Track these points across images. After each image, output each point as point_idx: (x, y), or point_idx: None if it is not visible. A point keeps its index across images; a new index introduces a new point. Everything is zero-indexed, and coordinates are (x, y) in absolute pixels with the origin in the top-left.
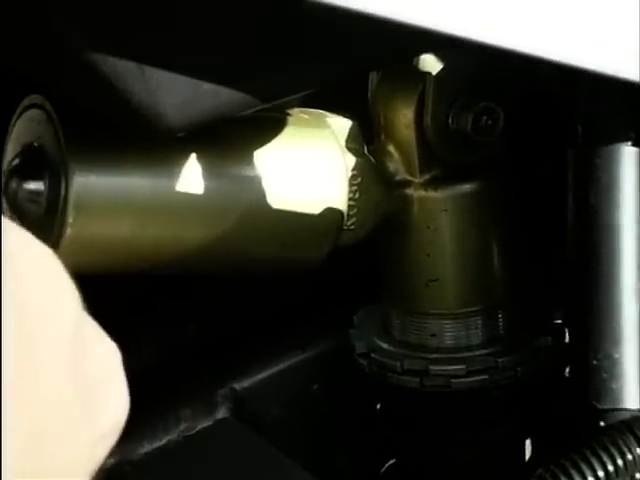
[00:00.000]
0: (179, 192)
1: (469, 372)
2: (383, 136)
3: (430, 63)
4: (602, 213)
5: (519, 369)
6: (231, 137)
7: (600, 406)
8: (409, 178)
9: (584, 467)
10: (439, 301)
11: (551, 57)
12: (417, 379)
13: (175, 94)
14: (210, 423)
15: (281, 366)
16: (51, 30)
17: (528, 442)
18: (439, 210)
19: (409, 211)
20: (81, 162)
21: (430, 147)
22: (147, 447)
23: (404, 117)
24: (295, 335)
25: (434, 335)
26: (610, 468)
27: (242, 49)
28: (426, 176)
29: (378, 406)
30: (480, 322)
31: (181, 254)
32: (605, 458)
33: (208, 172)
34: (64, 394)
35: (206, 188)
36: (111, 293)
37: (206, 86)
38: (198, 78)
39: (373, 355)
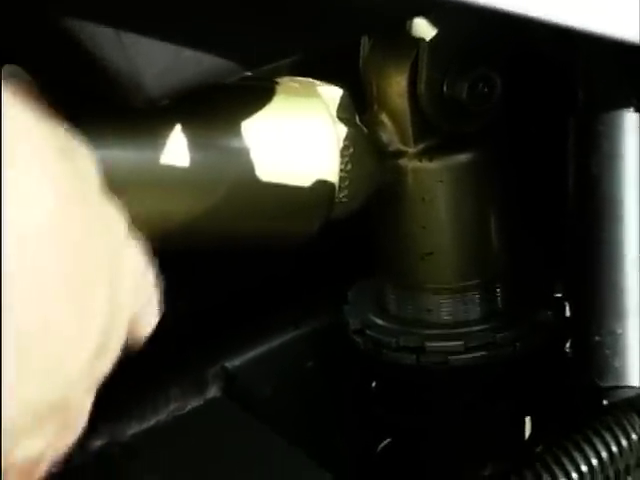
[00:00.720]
0: (163, 165)
1: (467, 348)
2: (376, 106)
3: (423, 29)
4: (604, 183)
5: (518, 344)
6: (217, 107)
7: (602, 384)
8: (403, 148)
9: (587, 448)
10: (435, 275)
11: (548, 18)
12: (413, 356)
13: (155, 62)
14: (201, 403)
15: (273, 343)
16: None
17: (528, 420)
18: (434, 181)
19: (403, 182)
20: None
21: (424, 116)
22: (136, 428)
23: (397, 85)
24: (287, 311)
25: (430, 310)
26: (614, 449)
27: (224, 14)
28: (420, 146)
29: (373, 384)
30: (478, 297)
31: (167, 229)
32: (608, 439)
33: (193, 143)
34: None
35: (191, 160)
36: None
37: (187, 53)
38: (178, 45)
39: (368, 332)
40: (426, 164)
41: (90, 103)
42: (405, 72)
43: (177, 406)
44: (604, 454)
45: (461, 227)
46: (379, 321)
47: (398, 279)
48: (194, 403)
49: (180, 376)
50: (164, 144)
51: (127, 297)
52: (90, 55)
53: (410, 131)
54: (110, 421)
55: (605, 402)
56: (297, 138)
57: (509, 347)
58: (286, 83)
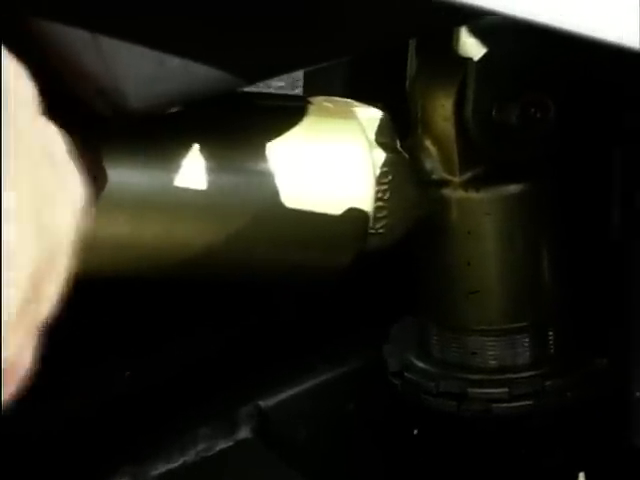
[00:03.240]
0: (178, 188)
1: (512, 396)
2: (420, 130)
3: (472, 48)
4: None
5: (569, 394)
6: (241, 126)
7: None
8: (447, 177)
9: None
10: (480, 315)
11: (599, 36)
12: (454, 403)
13: (136, 69)
14: (231, 444)
15: (311, 383)
16: None
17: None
18: (481, 213)
19: (447, 214)
20: None
21: (471, 142)
22: (161, 469)
23: (442, 108)
24: (326, 350)
25: (475, 354)
26: None
27: (217, 18)
28: (467, 175)
29: (415, 432)
30: (527, 340)
31: (181, 258)
32: None
33: (211, 165)
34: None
35: (210, 184)
36: (132, 298)
37: (174, 62)
38: (163, 52)
39: (407, 374)
40: (472, 194)
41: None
42: (452, 94)
43: (205, 447)
44: None
45: (509, 264)
46: (419, 363)
47: (441, 319)
48: (224, 444)
49: (211, 415)
50: (179, 165)
51: (65, 224)
52: (67, 60)
53: (456, 158)
54: (134, 460)
55: None
56: (328, 162)
57: (559, 396)
58: (319, 103)
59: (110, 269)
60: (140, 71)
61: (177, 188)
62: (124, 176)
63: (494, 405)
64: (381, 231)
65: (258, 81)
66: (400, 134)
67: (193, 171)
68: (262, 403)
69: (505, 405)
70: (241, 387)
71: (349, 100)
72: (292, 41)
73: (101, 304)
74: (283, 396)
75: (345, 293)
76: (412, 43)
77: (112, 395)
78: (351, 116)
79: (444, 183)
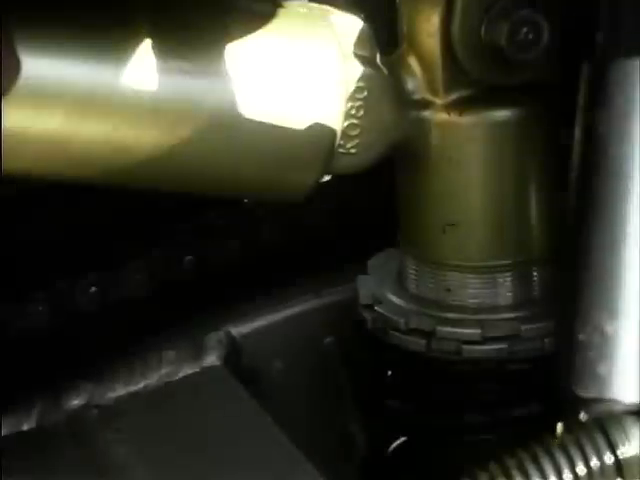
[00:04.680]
0: (122, 85)
1: (485, 338)
2: (405, 45)
3: None
4: (612, 148)
5: (547, 340)
6: (202, 25)
7: (583, 394)
8: (430, 98)
9: (531, 471)
10: (458, 250)
11: None
12: (423, 341)
13: None
14: (196, 370)
15: (289, 312)
16: None
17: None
18: (464, 139)
19: (427, 138)
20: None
21: (457, 62)
22: (120, 391)
23: (428, 23)
24: (310, 278)
25: (449, 290)
26: (567, 476)
27: None
28: (451, 97)
29: (389, 373)
30: (509, 280)
31: (123, 163)
32: (561, 462)
33: (165, 64)
34: None
35: (160, 84)
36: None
37: None
38: None
39: (377, 308)
40: (455, 118)
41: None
42: (439, 7)
43: (169, 371)
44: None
45: (492, 195)
46: (392, 297)
47: (418, 251)
48: (188, 370)
49: (177, 338)
50: (130, 61)
51: None
52: None
53: (440, 78)
54: (93, 381)
55: (582, 416)
56: (293, 70)
57: (536, 342)
58: (292, 7)
59: (44, 168)
60: None
61: (122, 85)
62: (60, 67)
63: (465, 346)
64: (353, 151)
65: None
66: (384, 49)
67: (142, 68)
68: (233, 330)
69: (477, 347)
70: (214, 312)
71: (327, 7)
72: None
73: (69, 213)
74: (256, 324)
75: (331, 223)
76: None
77: (76, 310)
78: (325, 23)
79: (426, 104)
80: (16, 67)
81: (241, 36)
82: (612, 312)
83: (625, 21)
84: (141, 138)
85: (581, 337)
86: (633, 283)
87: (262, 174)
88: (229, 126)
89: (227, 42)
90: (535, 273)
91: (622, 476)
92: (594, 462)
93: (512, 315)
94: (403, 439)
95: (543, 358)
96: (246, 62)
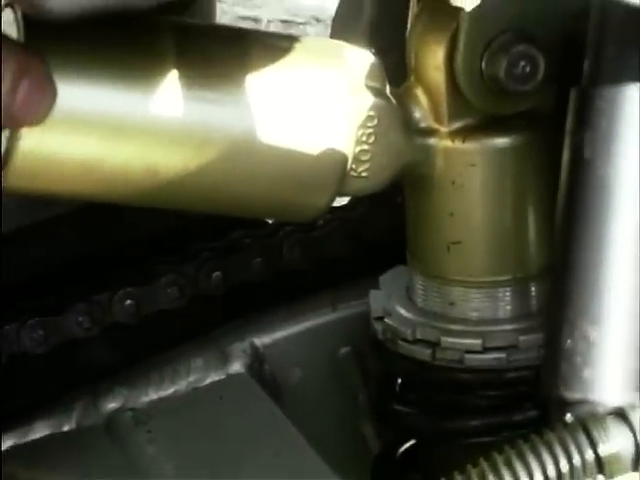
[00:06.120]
0: (153, 111)
1: (486, 348)
2: (413, 78)
3: None
4: (596, 169)
5: (542, 350)
6: (225, 57)
7: (569, 395)
8: (435, 126)
9: (518, 467)
10: (462, 266)
11: None
12: (429, 351)
13: None
14: (222, 377)
15: (307, 324)
16: None
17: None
18: (466, 164)
19: (433, 163)
20: None
21: (461, 93)
22: (152, 395)
23: (434, 57)
24: (327, 293)
25: (453, 304)
26: (551, 473)
27: None
28: (454, 125)
29: (399, 380)
30: (508, 294)
31: (154, 184)
32: (546, 458)
33: (192, 92)
34: None
35: (187, 111)
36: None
37: None
38: None
39: (387, 320)
40: (458, 145)
41: (91, 35)
42: (444, 43)
43: (197, 378)
44: (539, 477)
45: (492, 216)
46: (401, 310)
47: (425, 268)
48: (215, 377)
49: (205, 347)
50: (159, 89)
51: None
52: None
53: (445, 108)
54: (127, 386)
55: (568, 416)
56: (307, 100)
57: (533, 352)
58: (308, 41)
59: (79, 189)
60: None
61: (150, 111)
62: (94, 94)
63: (467, 355)
64: (364, 174)
65: None
66: (394, 81)
67: (168, 96)
68: (257, 340)
69: (478, 356)
70: (240, 323)
71: (342, 42)
72: None
73: (107, 233)
74: (278, 335)
75: (346, 244)
76: None
77: (113, 321)
78: (339, 57)
79: (431, 132)
80: (53, 93)
81: (261, 68)
82: (596, 322)
83: (608, 53)
84: (168, 161)
85: (568, 344)
86: (615, 295)
87: (279, 196)
88: (248, 151)
89: (247, 73)
90: (533, 288)
91: (602, 472)
92: (576, 459)
93: (511, 327)
94: (412, 441)
95: (539, 367)
96: (265, 92)
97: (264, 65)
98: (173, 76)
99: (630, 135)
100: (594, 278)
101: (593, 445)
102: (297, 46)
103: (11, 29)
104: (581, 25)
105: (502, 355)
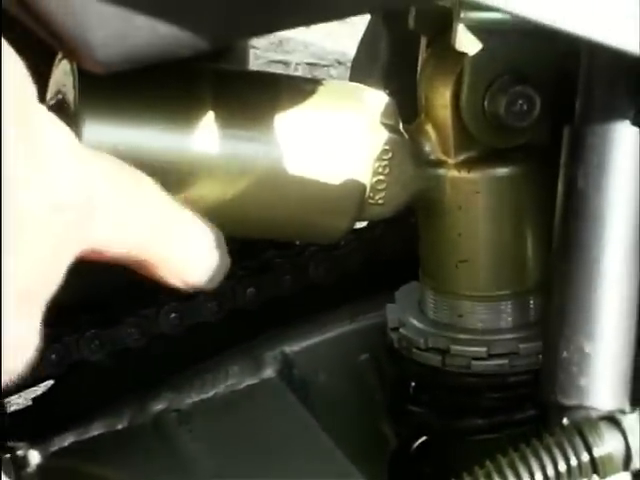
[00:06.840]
0: (193, 151)
1: (490, 355)
2: (423, 115)
3: (469, 44)
4: (589, 198)
5: (540, 357)
6: (257, 99)
7: (566, 402)
8: (443, 158)
9: (520, 468)
10: (468, 282)
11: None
12: (439, 357)
13: (104, 25)
14: (256, 381)
15: (331, 334)
16: None
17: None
18: (471, 192)
19: (442, 191)
20: (94, 112)
21: (466, 129)
22: (195, 398)
23: (442, 97)
24: (348, 307)
25: (461, 316)
26: (550, 473)
27: None
28: (460, 157)
29: (412, 384)
30: (509, 306)
31: (196, 211)
32: (545, 460)
33: (226, 131)
34: None
35: (222, 148)
36: None
37: (142, 20)
38: (132, 10)
39: (402, 330)
40: (464, 174)
41: (134, 84)
42: (450, 85)
43: (234, 382)
44: (539, 477)
45: (495, 237)
46: (414, 322)
47: (435, 284)
48: (250, 381)
49: (241, 356)
50: (196, 129)
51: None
52: (35, 11)
53: (451, 142)
54: (173, 390)
55: (565, 421)
56: (332, 137)
57: (532, 358)
58: (332, 85)
59: None
60: (108, 26)
61: (189, 149)
62: (146, 137)
63: (473, 362)
64: (380, 202)
65: (223, 44)
66: (407, 119)
67: (205, 134)
68: (287, 349)
69: (484, 362)
70: (271, 335)
71: (360, 85)
72: (255, 7)
73: None
74: (305, 344)
75: (365, 263)
76: (423, 39)
77: (160, 332)
78: (358, 98)
79: (440, 163)
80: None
81: (289, 109)
82: (590, 336)
83: (597, 93)
84: (206, 192)
85: (564, 355)
86: (607, 313)
87: (306, 221)
88: (277, 183)
89: (277, 113)
90: (531, 301)
91: (596, 472)
92: (573, 460)
93: (512, 336)
94: (424, 438)
95: (538, 372)
96: (292, 130)
97: (293, 107)
98: (210, 117)
99: (620, 168)
100: (588, 298)
101: (588, 448)
102: (321, 89)
103: (67, 79)
104: (573, 63)
105: (505, 361)
